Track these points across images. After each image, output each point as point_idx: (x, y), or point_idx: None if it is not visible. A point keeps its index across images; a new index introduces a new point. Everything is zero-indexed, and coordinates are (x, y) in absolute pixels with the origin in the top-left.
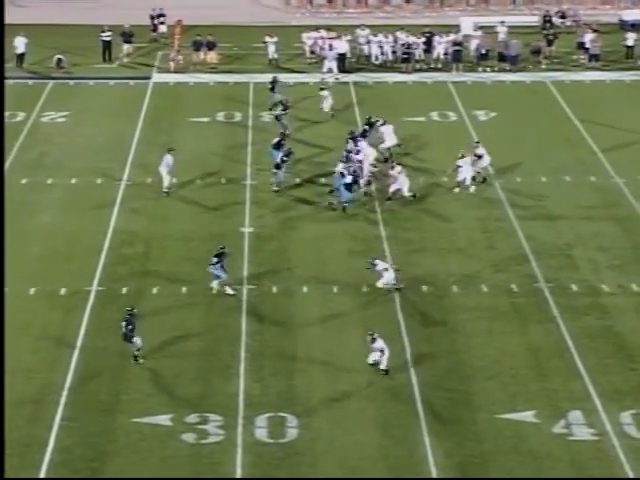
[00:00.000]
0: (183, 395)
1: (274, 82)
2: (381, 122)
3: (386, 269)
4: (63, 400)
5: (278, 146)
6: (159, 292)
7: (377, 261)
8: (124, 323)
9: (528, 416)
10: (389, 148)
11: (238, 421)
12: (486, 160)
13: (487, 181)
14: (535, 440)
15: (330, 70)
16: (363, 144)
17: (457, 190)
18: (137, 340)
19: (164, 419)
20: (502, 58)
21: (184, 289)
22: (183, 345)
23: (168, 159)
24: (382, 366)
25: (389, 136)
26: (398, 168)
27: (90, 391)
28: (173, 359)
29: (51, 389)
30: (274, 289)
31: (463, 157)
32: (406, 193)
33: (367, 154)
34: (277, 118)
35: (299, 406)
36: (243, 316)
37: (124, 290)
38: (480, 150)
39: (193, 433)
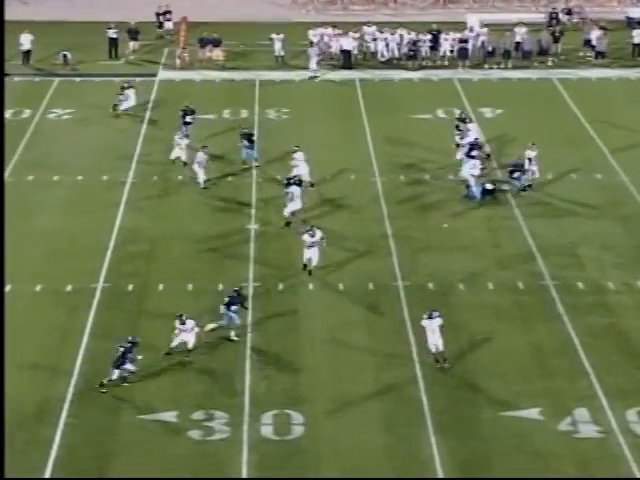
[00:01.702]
0: (188, 392)
1: (129, 85)
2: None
3: (193, 329)
4: (68, 398)
5: (251, 143)
6: (165, 289)
7: (186, 318)
8: (122, 349)
9: (533, 414)
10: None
11: (244, 418)
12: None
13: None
14: (540, 438)
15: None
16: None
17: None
18: (129, 366)
19: (169, 416)
20: (508, 55)
21: (190, 286)
22: None
23: (200, 156)
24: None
25: (474, 133)
26: None
27: (95, 388)
28: (178, 356)
29: (56, 387)
30: (280, 286)
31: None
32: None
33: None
34: (185, 124)
35: (304, 404)
36: (249, 313)
37: (130, 287)
38: (530, 152)
39: (199, 430)
